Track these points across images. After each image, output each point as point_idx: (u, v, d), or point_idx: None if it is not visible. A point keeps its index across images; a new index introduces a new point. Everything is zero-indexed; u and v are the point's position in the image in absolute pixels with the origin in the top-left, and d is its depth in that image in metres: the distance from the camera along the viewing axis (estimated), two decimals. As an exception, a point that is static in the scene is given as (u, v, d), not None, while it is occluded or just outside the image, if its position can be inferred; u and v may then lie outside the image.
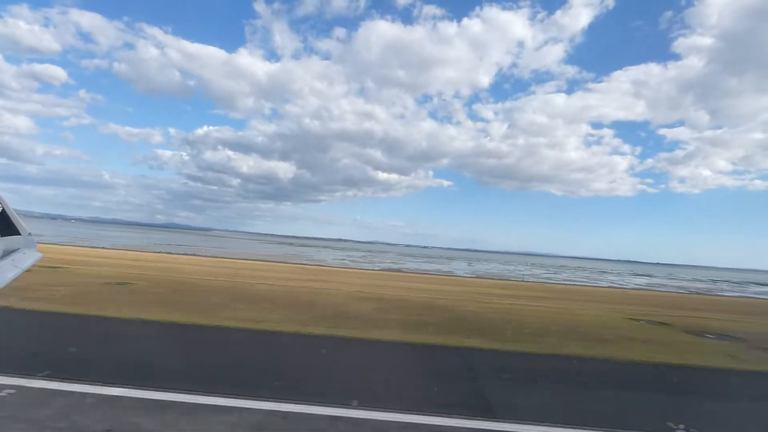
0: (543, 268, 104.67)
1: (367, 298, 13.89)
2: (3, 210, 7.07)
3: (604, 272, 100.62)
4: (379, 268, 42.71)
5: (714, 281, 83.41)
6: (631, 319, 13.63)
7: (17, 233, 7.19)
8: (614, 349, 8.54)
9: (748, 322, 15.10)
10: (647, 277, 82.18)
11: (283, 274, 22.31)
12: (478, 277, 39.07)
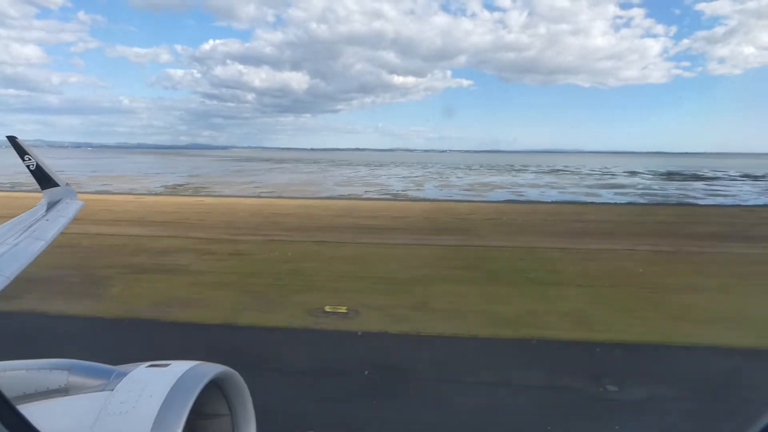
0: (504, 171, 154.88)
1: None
2: (38, 164, 7.46)
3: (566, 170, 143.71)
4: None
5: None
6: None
7: (56, 185, 7.75)
8: None
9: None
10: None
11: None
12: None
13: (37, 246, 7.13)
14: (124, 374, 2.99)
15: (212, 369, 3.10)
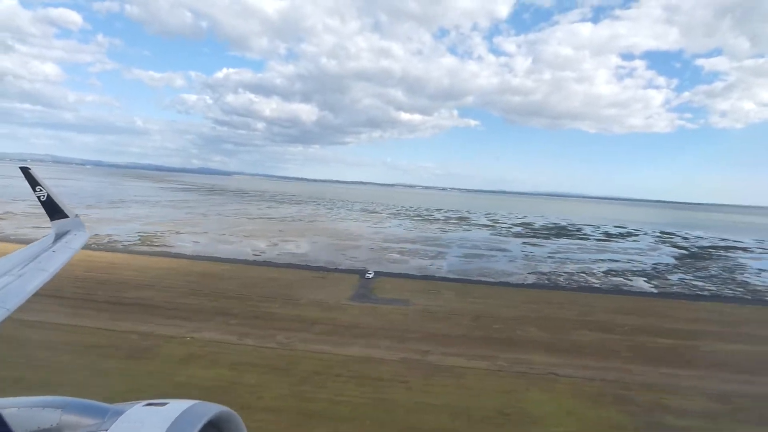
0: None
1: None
2: (49, 195, 7.57)
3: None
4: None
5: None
6: None
7: (65, 216, 7.86)
8: None
9: None
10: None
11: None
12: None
13: (41, 277, 7.11)
14: (120, 413, 2.95)
15: (211, 409, 3.13)
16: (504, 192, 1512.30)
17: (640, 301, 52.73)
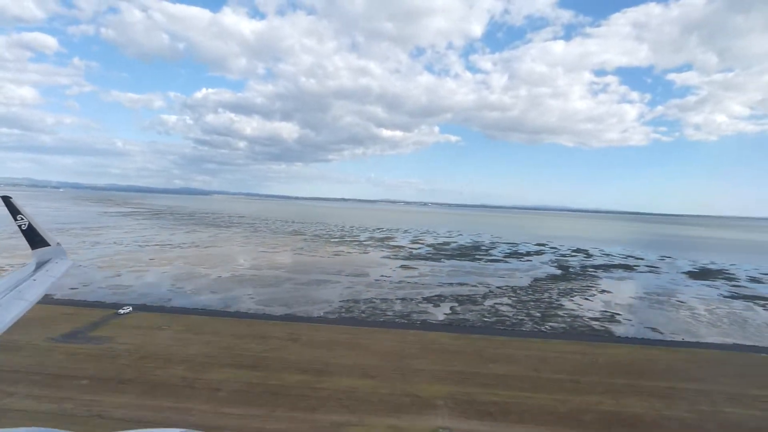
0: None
1: None
2: (30, 224, 8.44)
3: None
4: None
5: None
6: None
7: (47, 244, 8.49)
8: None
9: None
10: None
11: None
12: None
13: (21, 307, 7.13)
14: None
15: None
16: (485, 206, 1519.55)
17: (391, 332, 52.00)
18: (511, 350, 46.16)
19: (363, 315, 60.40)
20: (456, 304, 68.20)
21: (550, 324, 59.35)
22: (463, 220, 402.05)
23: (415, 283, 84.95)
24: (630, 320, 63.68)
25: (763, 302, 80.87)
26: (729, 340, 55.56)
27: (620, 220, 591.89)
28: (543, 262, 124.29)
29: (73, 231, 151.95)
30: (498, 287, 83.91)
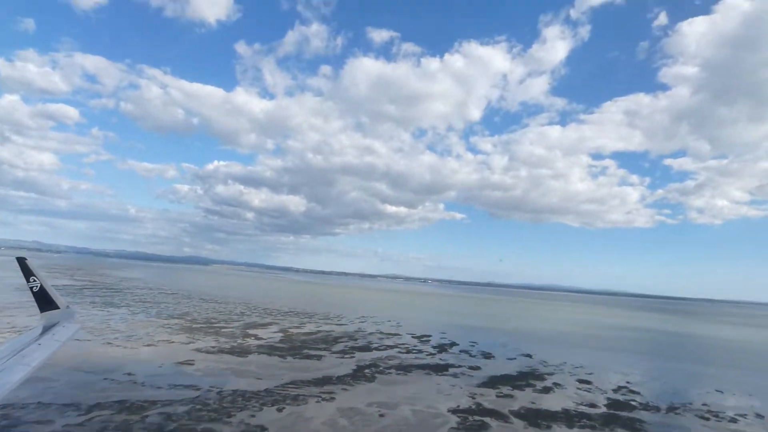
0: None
1: None
2: (41, 286, 8.36)
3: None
4: None
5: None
6: None
7: (56, 307, 8.39)
8: None
9: None
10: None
11: None
12: None
13: (23, 372, 6.84)
14: None
15: None
16: (492, 285, 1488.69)
17: None
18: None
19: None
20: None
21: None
22: (455, 305, 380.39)
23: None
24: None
25: None
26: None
27: (619, 306, 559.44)
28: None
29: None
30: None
